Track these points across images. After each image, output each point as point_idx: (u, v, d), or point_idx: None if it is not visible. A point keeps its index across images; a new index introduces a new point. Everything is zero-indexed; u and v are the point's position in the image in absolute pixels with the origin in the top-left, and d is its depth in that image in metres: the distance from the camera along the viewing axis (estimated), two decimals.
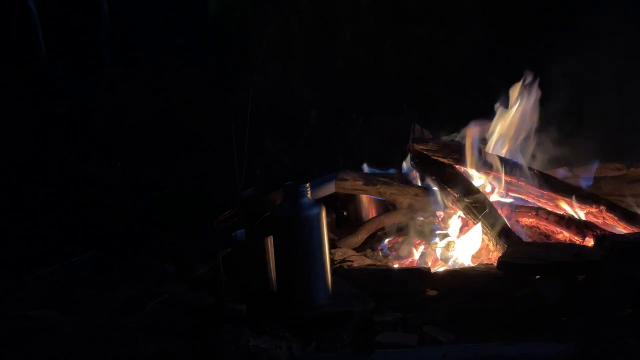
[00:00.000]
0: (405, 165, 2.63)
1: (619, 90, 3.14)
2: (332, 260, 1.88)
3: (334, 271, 1.70)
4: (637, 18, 2.94)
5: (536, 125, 2.46)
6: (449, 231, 2.28)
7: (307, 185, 1.53)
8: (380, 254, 2.32)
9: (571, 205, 2.27)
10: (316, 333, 1.47)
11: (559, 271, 1.64)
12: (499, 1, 3.76)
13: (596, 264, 1.61)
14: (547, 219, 2.27)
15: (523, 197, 2.38)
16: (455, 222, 2.33)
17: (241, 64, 3.15)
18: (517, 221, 2.26)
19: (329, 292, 1.56)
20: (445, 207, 2.34)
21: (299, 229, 1.50)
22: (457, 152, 2.38)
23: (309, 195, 1.54)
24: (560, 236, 2.23)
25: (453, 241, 2.18)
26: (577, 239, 2.14)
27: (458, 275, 1.90)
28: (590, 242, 2.05)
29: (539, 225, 2.27)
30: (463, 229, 2.31)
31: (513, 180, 2.35)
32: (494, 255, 2.06)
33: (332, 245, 2.25)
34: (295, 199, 1.52)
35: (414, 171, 2.54)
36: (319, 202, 1.59)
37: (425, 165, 2.48)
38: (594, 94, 3.05)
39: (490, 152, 2.43)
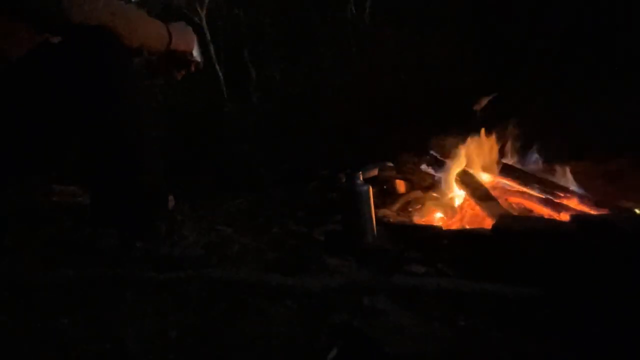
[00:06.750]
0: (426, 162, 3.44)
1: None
2: (376, 217, 2.36)
3: (378, 223, 2.22)
4: None
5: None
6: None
7: (360, 172, 2.25)
8: (408, 214, 3.04)
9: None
10: (366, 260, 2.06)
11: (543, 238, 1.87)
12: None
13: (572, 235, 1.85)
14: (529, 198, 2.79)
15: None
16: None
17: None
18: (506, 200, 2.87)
19: (375, 236, 2.13)
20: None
21: (356, 198, 2.21)
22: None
23: (361, 178, 2.25)
24: (539, 211, 2.70)
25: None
26: (555, 215, 2.58)
27: (462, 233, 2.39)
28: (565, 217, 2.42)
29: (522, 203, 2.85)
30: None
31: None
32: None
33: (377, 208, 2.68)
34: (353, 180, 2.24)
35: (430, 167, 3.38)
36: (367, 181, 2.15)
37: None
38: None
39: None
